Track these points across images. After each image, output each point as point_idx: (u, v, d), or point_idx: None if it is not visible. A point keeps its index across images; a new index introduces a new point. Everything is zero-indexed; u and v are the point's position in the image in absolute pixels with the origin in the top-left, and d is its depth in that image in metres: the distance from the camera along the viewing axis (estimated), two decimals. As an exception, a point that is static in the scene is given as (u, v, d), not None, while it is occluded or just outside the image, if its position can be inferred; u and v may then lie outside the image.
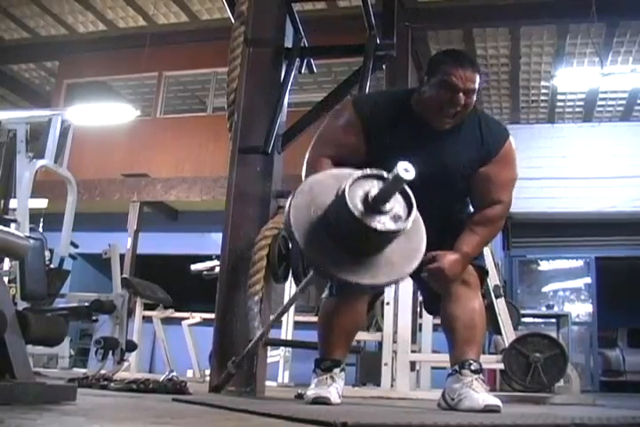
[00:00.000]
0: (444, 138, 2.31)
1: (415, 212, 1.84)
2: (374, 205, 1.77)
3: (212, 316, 3.26)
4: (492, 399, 2.11)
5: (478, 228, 2.34)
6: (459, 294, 2.31)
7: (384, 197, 1.77)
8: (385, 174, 1.82)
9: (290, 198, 1.93)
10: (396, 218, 1.80)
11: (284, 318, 6.49)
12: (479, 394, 2.14)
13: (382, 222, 1.78)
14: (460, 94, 2.21)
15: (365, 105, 2.39)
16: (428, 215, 2.17)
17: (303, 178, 2.27)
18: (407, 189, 1.83)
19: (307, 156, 2.38)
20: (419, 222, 1.97)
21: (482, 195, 2.36)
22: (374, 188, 1.80)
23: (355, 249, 1.85)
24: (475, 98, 2.26)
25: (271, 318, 2.98)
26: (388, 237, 1.83)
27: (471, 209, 2.45)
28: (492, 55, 8.72)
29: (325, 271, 1.94)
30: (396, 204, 1.82)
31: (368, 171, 1.84)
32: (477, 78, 2.25)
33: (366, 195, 1.78)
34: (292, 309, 6.47)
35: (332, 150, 2.34)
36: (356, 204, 1.76)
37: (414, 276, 2.47)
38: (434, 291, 2.39)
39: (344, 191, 1.76)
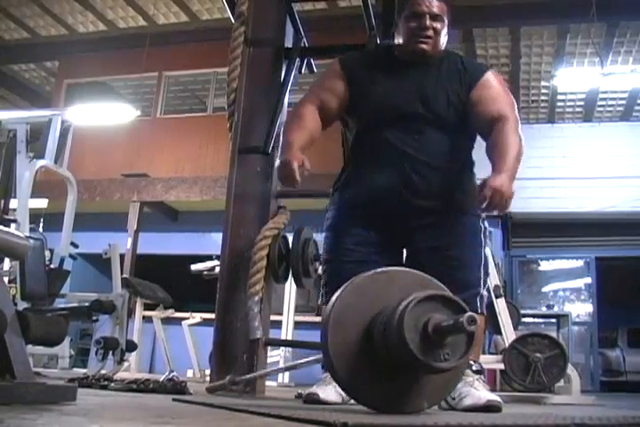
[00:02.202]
0: (427, 71, 2.40)
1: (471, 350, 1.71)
2: (433, 337, 1.64)
3: (213, 316, 3.25)
4: (493, 396, 2.14)
5: (503, 146, 2.21)
6: None
7: (443, 334, 1.65)
8: (449, 296, 1.71)
9: (340, 292, 1.78)
10: (450, 354, 1.67)
11: (283, 318, 6.50)
12: (480, 391, 2.16)
13: (436, 359, 1.65)
14: (427, 18, 2.35)
15: (349, 56, 2.57)
16: (426, 150, 2.30)
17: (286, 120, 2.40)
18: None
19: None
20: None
21: (483, 115, 2.32)
22: (436, 314, 1.66)
23: (395, 376, 1.72)
24: (443, 26, 2.38)
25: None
26: (436, 370, 1.71)
27: (473, 182, 2.40)
28: (492, 55, 8.72)
29: (361, 402, 1.83)
30: (456, 338, 1.69)
31: (430, 292, 1.70)
32: (442, 6, 2.38)
33: (426, 322, 1.65)
34: (292, 309, 6.49)
35: (317, 95, 2.45)
36: (412, 335, 1.62)
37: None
38: None
39: (402, 318, 1.63)
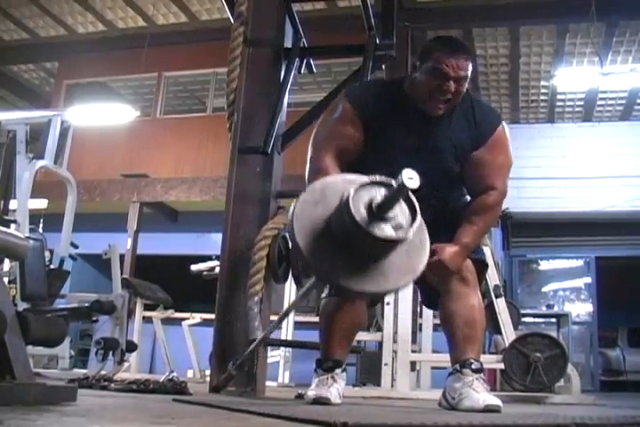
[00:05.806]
0: (437, 122, 2.33)
1: (418, 221, 1.81)
2: (377, 213, 1.75)
3: (213, 316, 3.26)
4: (492, 399, 2.11)
5: (475, 217, 2.33)
6: (457, 292, 2.30)
7: (387, 204, 1.76)
8: (392, 182, 1.80)
9: (300, 194, 1.89)
10: (397, 227, 1.77)
11: (284, 319, 6.49)
12: (479, 394, 2.14)
13: (383, 230, 1.75)
14: (451, 82, 2.23)
15: (358, 95, 2.41)
16: (424, 202, 2.18)
17: (307, 175, 2.28)
18: (412, 197, 1.81)
19: (308, 153, 2.37)
20: (423, 233, 1.93)
21: (476, 180, 2.36)
22: (379, 195, 1.79)
23: (355, 255, 1.82)
24: (466, 85, 2.28)
25: (273, 320, 2.98)
26: (389, 244, 1.80)
27: (467, 198, 2.45)
28: (492, 55, 8.72)
29: (324, 277, 1.93)
30: (400, 212, 1.80)
31: (376, 178, 1.83)
32: (469, 66, 2.26)
33: (370, 201, 1.76)
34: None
35: (333, 144, 2.33)
36: (359, 209, 1.75)
37: None
38: (433, 286, 2.39)
39: (348, 196, 1.75)
